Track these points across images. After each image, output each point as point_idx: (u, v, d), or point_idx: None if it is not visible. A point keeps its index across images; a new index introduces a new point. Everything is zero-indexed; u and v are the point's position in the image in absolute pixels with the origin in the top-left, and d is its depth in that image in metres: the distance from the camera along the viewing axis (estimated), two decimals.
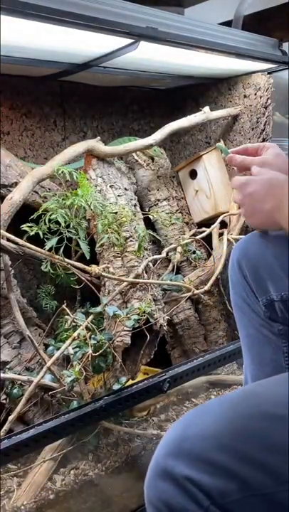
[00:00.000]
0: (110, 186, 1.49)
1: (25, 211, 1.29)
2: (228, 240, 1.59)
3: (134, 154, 1.67)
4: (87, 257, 1.29)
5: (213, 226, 1.63)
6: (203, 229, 1.65)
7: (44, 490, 1.13)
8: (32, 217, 1.24)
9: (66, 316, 1.28)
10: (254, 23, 1.93)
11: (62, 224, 1.22)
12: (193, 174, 1.77)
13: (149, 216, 1.63)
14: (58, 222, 1.22)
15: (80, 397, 1.21)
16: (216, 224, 1.64)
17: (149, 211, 1.66)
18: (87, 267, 1.30)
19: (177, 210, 1.71)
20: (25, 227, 1.21)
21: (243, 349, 0.96)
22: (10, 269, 1.28)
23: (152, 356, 1.33)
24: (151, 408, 1.43)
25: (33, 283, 1.59)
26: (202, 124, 1.81)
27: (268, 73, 1.71)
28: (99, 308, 1.27)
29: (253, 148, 0.89)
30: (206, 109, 1.72)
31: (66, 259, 1.27)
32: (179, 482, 0.55)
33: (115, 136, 1.84)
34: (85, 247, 1.28)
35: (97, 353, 1.18)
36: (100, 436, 1.26)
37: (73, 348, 1.19)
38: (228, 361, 1.44)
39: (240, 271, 0.90)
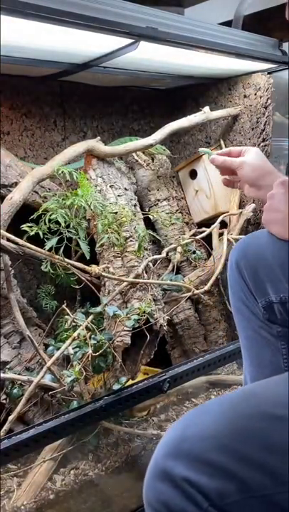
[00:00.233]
0: (110, 186, 1.49)
1: (25, 211, 1.29)
2: (228, 239, 1.59)
3: (134, 154, 1.67)
4: (87, 257, 1.29)
5: (213, 226, 1.63)
6: (203, 229, 1.64)
7: (44, 490, 1.13)
8: (32, 217, 1.24)
9: (66, 316, 1.28)
10: (254, 23, 1.93)
11: (63, 224, 1.22)
12: (193, 174, 1.77)
13: (149, 216, 1.63)
14: (58, 222, 1.22)
15: (80, 397, 1.21)
16: (216, 224, 1.64)
17: (149, 211, 1.66)
18: (87, 267, 1.30)
19: (177, 210, 1.71)
20: (25, 227, 1.21)
21: (242, 351, 0.96)
22: (10, 269, 1.28)
23: (152, 356, 1.33)
24: (151, 408, 1.43)
25: (33, 283, 1.59)
26: (202, 124, 1.81)
27: (268, 73, 1.71)
28: (99, 308, 1.27)
29: (236, 151, 0.97)
30: (206, 109, 1.72)
31: (66, 259, 1.27)
32: (177, 483, 0.55)
33: (115, 136, 1.84)
34: (85, 247, 1.28)
35: (97, 353, 1.18)
36: (100, 436, 1.26)
37: (73, 348, 1.19)
38: (228, 361, 1.44)
39: (238, 272, 0.90)
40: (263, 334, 0.89)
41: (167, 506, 0.56)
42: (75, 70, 1.49)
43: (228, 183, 1.03)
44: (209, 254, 1.65)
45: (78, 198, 1.26)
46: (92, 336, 1.20)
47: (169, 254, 1.55)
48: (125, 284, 1.31)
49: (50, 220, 1.21)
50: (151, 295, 1.35)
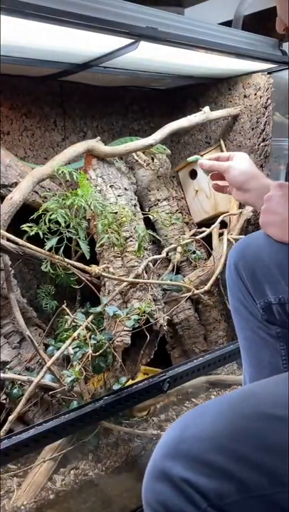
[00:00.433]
0: (110, 186, 1.49)
1: (25, 211, 1.29)
2: (228, 240, 1.59)
3: (134, 154, 1.67)
4: (87, 257, 1.29)
5: (213, 226, 1.63)
6: (203, 229, 1.64)
7: (44, 490, 1.13)
8: (32, 217, 1.24)
9: (66, 316, 1.28)
10: (254, 23, 1.93)
11: (62, 224, 1.22)
12: (193, 174, 1.77)
13: (149, 216, 1.63)
14: (58, 222, 1.22)
15: (80, 397, 1.21)
16: (216, 224, 1.64)
17: (149, 211, 1.66)
18: (87, 267, 1.30)
19: (177, 210, 1.71)
20: (25, 227, 1.21)
21: (241, 351, 0.96)
22: (10, 269, 1.28)
23: (152, 356, 1.33)
24: (151, 408, 1.43)
25: (33, 283, 1.59)
26: (202, 124, 1.81)
27: (268, 73, 1.70)
28: (99, 308, 1.27)
29: (224, 156, 1.01)
30: (206, 109, 1.72)
31: (66, 259, 1.27)
32: (176, 484, 0.55)
33: (115, 136, 1.84)
34: (85, 247, 1.28)
35: (97, 353, 1.18)
36: (100, 436, 1.26)
37: (73, 348, 1.19)
38: (228, 361, 1.44)
39: (237, 273, 0.90)
40: (261, 335, 0.89)
41: (166, 506, 0.56)
42: (75, 70, 1.49)
43: (218, 188, 1.05)
44: (209, 254, 1.65)
45: (78, 198, 1.26)
46: (92, 336, 1.20)
47: (169, 254, 1.55)
48: (125, 284, 1.32)
49: (50, 220, 1.21)
50: (151, 295, 1.35)
